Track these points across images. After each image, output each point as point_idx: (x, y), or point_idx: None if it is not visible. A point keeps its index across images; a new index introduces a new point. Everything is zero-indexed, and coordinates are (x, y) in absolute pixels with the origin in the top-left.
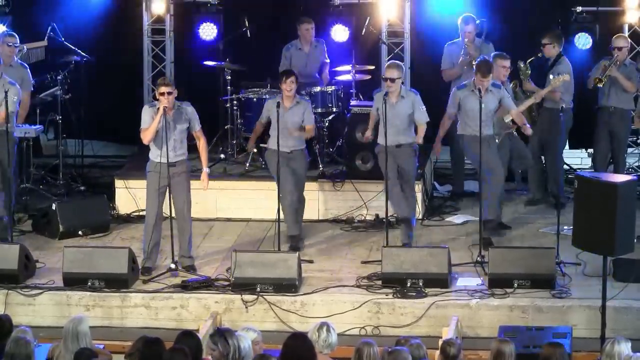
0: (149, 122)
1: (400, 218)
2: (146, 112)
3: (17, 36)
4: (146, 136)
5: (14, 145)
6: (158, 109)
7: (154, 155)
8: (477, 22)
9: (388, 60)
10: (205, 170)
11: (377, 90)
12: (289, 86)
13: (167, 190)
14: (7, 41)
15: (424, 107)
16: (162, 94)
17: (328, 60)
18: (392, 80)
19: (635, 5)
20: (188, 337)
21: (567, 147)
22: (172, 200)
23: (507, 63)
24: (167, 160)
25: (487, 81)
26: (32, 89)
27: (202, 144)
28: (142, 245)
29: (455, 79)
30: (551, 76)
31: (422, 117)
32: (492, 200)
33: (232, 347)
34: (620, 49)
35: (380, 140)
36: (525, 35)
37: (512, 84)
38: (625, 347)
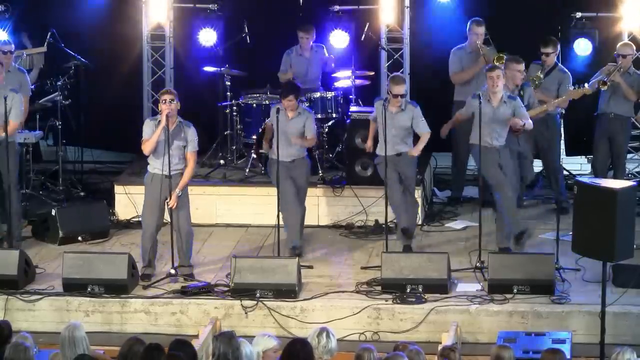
0: (150, 134)
1: (401, 228)
2: (147, 125)
3: (12, 43)
4: (147, 147)
5: (15, 154)
6: (159, 121)
7: (151, 167)
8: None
9: (387, 65)
10: (176, 192)
11: (379, 98)
12: (286, 103)
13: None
14: (2, 49)
15: (424, 119)
16: (164, 101)
17: (333, 56)
18: (403, 96)
19: (634, 11)
20: (183, 345)
21: (564, 153)
22: (170, 213)
23: (522, 67)
24: (170, 169)
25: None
26: (31, 94)
27: (189, 167)
28: (140, 252)
29: (466, 82)
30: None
31: (424, 128)
32: (508, 214)
33: (216, 348)
34: (625, 56)
35: (380, 151)
36: (524, 41)
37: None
38: (631, 356)
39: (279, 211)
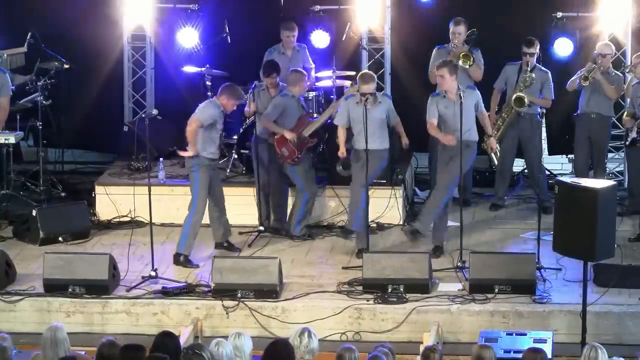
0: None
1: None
2: None
3: None
4: None
5: None
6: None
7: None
8: (469, 31)
9: (369, 66)
10: None
11: (350, 96)
12: (270, 81)
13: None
14: None
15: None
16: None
17: (312, 65)
18: (372, 94)
19: (615, 11)
20: (167, 337)
21: (545, 152)
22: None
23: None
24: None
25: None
26: (12, 94)
27: None
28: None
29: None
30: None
31: (396, 117)
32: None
33: (206, 358)
34: (604, 56)
35: (358, 145)
36: (505, 41)
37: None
38: (602, 354)
39: (260, 205)
